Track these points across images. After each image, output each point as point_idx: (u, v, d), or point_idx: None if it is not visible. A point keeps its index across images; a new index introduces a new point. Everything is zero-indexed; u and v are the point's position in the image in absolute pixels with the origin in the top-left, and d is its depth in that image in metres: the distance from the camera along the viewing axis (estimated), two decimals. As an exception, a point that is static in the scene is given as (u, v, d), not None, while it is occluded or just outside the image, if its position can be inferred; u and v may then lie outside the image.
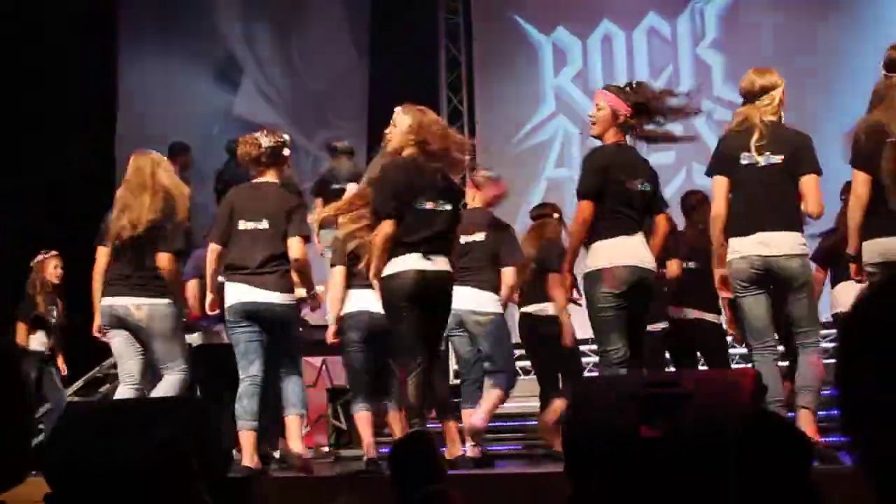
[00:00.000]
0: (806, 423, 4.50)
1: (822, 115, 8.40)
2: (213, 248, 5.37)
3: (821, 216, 4.92)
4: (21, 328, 7.39)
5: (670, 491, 3.34)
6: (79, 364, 8.18)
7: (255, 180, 5.45)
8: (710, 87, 9.33)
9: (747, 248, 4.67)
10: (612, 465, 3.53)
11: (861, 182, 4.67)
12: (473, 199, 6.13)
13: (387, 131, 5.13)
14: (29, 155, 9.05)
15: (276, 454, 6.14)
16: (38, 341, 7.41)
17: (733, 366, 7.06)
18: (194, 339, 6.58)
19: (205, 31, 10.35)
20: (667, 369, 6.51)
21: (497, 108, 9.98)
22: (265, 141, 5.42)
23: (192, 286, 6.15)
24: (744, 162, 4.71)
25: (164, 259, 5.44)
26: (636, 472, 3.44)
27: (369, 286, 5.37)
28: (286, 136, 5.58)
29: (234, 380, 5.41)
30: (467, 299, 5.67)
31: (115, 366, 6.25)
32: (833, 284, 6.43)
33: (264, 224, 5.29)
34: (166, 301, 5.48)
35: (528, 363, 7.25)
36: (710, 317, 6.25)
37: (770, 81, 4.81)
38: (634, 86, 5.06)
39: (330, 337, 5.73)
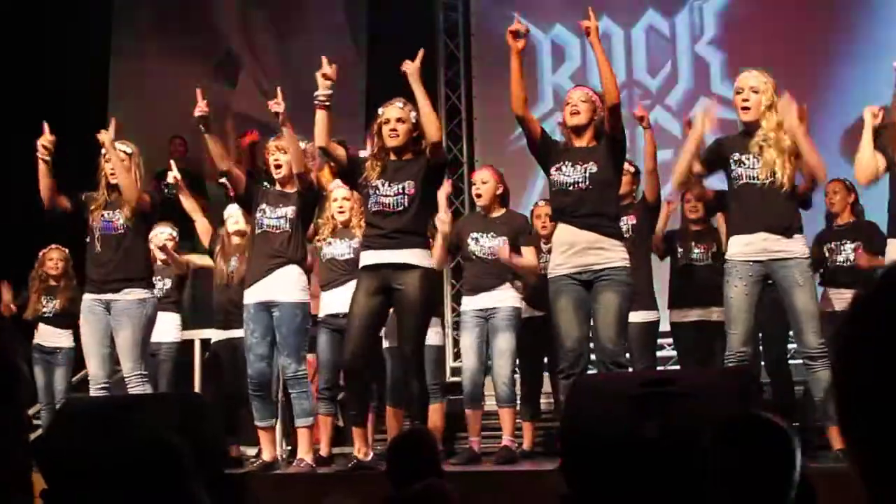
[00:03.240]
0: None
1: (820, 113, 8.40)
2: None
3: None
4: (37, 325, 7.30)
5: (665, 489, 3.35)
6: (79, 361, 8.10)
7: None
8: (709, 84, 9.33)
9: None
10: (607, 464, 3.54)
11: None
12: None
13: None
14: (26, 154, 9.01)
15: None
16: (41, 336, 7.31)
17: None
18: (214, 334, 6.61)
19: (203, 26, 10.32)
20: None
21: (495, 104, 9.92)
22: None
23: None
24: None
25: None
26: (631, 470, 3.45)
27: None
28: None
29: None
30: None
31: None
32: None
33: None
34: None
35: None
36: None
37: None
38: None
39: None
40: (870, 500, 1.02)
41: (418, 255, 5.10)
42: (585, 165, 4.89)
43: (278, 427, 6.04)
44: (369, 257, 5.14)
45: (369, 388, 5.59)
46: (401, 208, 5.08)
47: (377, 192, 5.11)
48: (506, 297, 5.99)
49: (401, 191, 5.08)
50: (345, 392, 5.85)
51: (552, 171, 4.96)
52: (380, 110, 5.25)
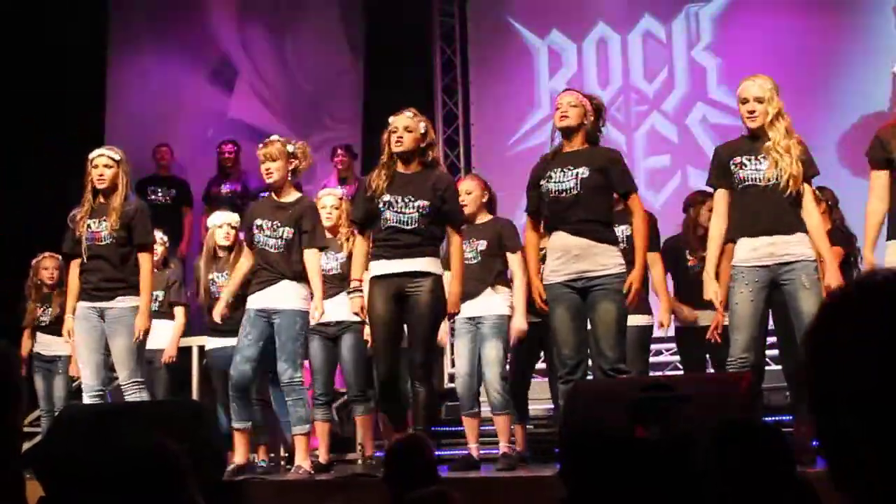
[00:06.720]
0: None
1: (816, 119, 8.41)
2: None
3: None
4: (25, 333, 7.31)
5: (665, 494, 3.34)
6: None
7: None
8: (705, 89, 9.34)
9: None
10: (607, 468, 3.53)
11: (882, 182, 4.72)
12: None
13: None
14: (22, 157, 9.03)
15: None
16: (40, 345, 7.30)
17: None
18: (207, 341, 6.60)
19: (199, 32, 10.31)
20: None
21: (492, 110, 9.97)
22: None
23: None
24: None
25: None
26: (631, 475, 3.44)
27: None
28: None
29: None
30: None
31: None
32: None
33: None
34: None
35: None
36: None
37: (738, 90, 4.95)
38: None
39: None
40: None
41: (431, 263, 5.10)
42: (577, 171, 4.90)
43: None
44: (382, 267, 5.11)
45: (403, 396, 5.53)
46: (415, 225, 5.08)
47: (390, 207, 5.09)
48: (492, 305, 5.98)
49: (415, 209, 5.07)
50: (380, 406, 5.81)
51: (542, 182, 4.97)
52: (389, 119, 5.25)
